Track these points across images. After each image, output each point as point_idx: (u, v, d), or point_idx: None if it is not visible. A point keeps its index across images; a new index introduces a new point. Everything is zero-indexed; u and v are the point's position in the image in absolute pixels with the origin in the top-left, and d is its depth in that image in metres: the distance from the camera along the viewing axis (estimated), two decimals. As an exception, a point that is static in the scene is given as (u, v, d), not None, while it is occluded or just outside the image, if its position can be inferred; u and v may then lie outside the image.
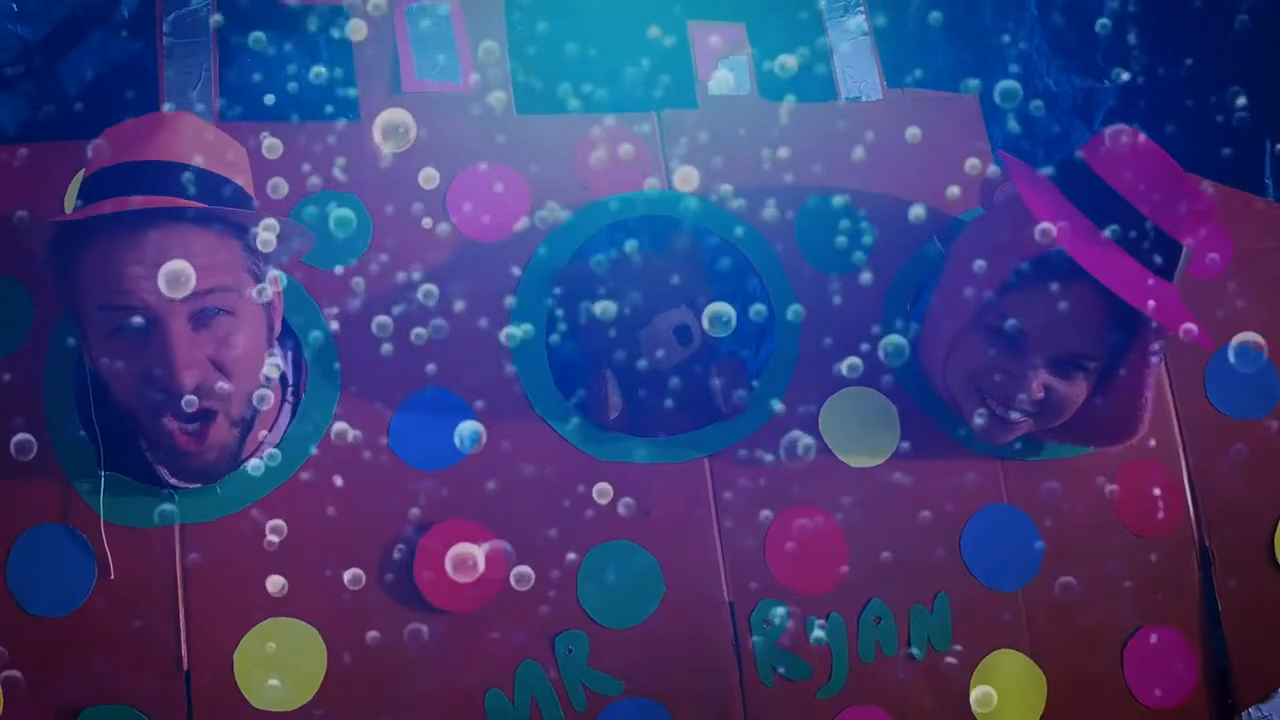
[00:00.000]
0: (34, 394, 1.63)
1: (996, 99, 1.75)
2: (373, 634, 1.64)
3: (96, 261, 1.54)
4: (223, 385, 1.57)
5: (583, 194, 1.81)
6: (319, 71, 1.77)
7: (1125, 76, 2.47)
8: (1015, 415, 1.73)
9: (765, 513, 1.73)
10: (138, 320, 1.53)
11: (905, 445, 1.79)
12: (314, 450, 1.67)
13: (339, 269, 1.72)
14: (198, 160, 1.57)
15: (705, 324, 1.70)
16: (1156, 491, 1.88)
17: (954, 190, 1.85)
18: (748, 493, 1.74)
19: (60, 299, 1.62)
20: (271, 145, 1.65)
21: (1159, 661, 1.83)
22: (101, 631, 1.59)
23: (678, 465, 1.74)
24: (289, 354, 1.77)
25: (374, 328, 1.68)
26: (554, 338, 1.80)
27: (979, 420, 1.75)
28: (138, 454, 1.65)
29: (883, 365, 1.80)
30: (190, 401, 1.55)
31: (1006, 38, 2.45)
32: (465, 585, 1.66)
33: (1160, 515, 1.88)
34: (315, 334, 1.70)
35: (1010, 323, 1.69)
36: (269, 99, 1.76)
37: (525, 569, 1.66)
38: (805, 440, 1.75)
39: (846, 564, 1.74)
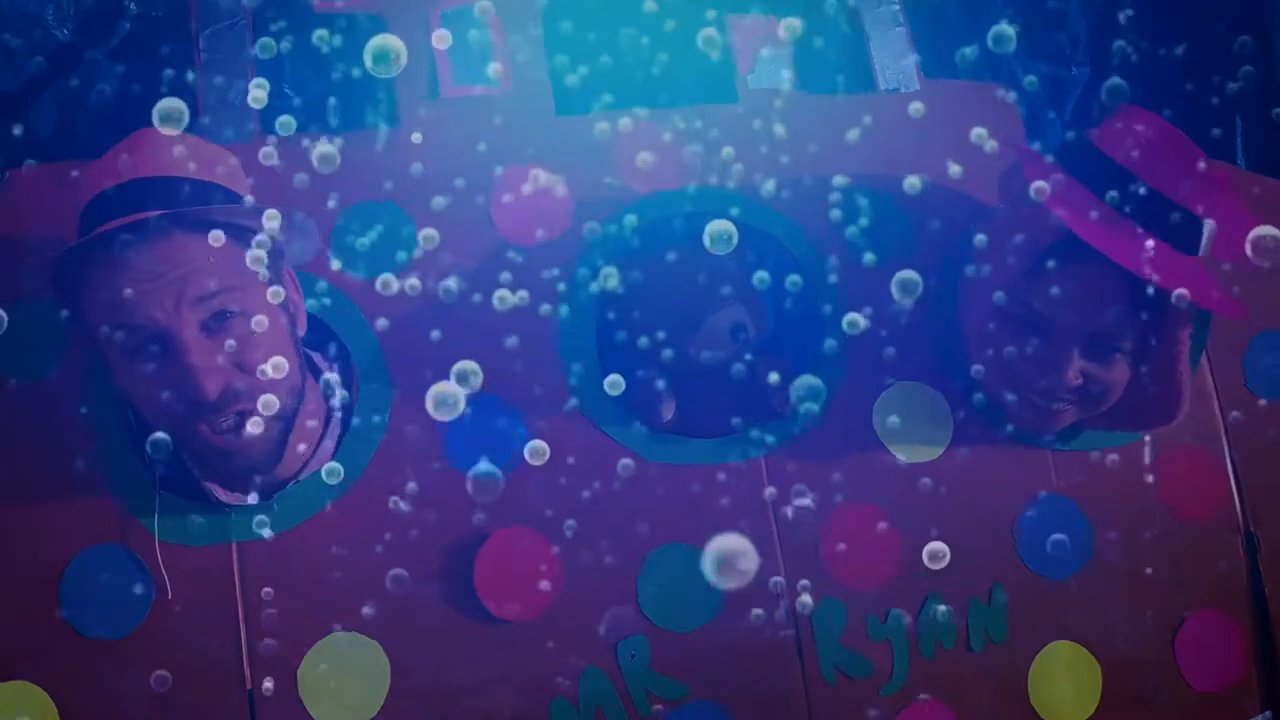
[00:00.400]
0: (78, 416, 1.61)
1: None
2: (434, 646, 1.63)
3: (98, 287, 1.53)
4: (250, 381, 1.56)
5: (624, 193, 1.79)
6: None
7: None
8: (1057, 405, 1.74)
9: (821, 510, 1.73)
10: (149, 337, 1.53)
11: (957, 439, 1.79)
12: (367, 463, 1.65)
13: (384, 276, 1.69)
14: (184, 171, 1.56)
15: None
16: (1200, 477, 1.89)
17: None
18: (803, 491, 1.73)
19: (76, 330, 1.60)
20: (325, 155, 1.61)
21: (1208, 646, 1.84)
22: (161, 653, 1.57)
23: (733, 465, 1.73)
24: (335, 365, 1.76)
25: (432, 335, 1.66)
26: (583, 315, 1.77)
27: (1023, 411, 1.76)
28: (189, 473, 1.63)
29: (931, 364, 1.80)
30: (221, 411, 1.54)
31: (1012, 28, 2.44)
32: (524, 590, 1.65)
33: (1205, 501, 1.89)
34: (364, 345, 1.68)
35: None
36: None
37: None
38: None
39: (903, 559, 1.74)
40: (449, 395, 1.58)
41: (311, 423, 1.69)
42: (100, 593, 1.56)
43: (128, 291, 1.52)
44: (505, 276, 1.73)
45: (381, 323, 1.68)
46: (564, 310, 1.73)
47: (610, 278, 1.76)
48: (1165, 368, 1.72)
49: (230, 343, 1.55)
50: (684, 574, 1.68)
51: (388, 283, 1.68)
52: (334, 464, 1.63)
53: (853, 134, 1.85)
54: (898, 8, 1.97)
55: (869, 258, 1.81)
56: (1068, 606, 1.80)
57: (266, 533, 1.61)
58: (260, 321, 1.57)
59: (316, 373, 1.74)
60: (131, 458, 1.60)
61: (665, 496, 1.71)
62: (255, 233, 1.58)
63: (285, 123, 1.68)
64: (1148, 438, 1.85)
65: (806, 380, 1.70)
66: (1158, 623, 1.83)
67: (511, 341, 1.70)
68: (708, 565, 1.55)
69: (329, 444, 1.71)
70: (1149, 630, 1.82)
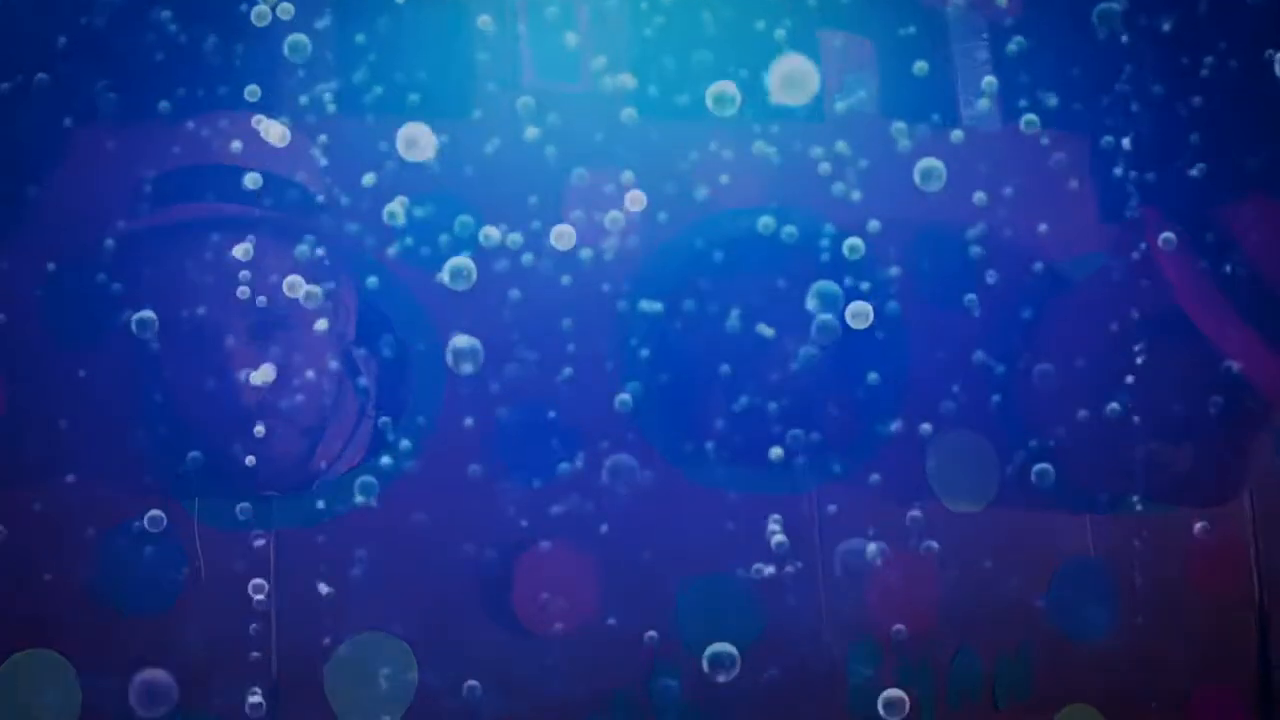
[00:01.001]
0: (125, 393, 1.57)
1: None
2: (466, 655, 1.60)
3: (151, 273, 1.51)
4: (275, 391, 1.55)
5: (700, 205, 1.75)
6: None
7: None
8: (1115, 473, 1.74)
9: (867, 551, 1.72)
10: (191, 334, 1.51)
11: (1003, 494, 1.79)
12: (413, 461, 1.62)
13: (445, 274, 1.64)
14: (259, 162, 1.53)
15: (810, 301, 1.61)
16: (1223, 552, 1.91)
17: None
18: (850, 529, 1.72)
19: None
20: (408, 138, 1.55)
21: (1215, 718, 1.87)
22: (188, 635, 1.53)
23: (782, 496, 1.71)
24: (371, 363, 1.72)
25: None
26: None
27: (1078, 474, 1.76)
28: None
29: (989, 416, 1.79)
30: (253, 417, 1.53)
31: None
32: (560, 607, 1.62)
33: (1226, 575, 1.91)
34: (420, 342, 1.64)
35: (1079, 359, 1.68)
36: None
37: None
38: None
39: (940, 609, 1.74)
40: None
41: (338, 421, 1.66)
42: (134, 570, 1.52)
43: (182, 283, 1.50)
44: (566, 280, 1.68)
45: (438, 317, 1.64)
46: (625, 321, 1.70)
47: (677, 292, 1.74)
48: (1233, 460, 1.73)
49: (271, 349, 1.54)
50: (722, 605, 1.67)
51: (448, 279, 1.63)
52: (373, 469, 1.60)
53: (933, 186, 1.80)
54: (986, 45, 1.94)
55: (978, 294, 1.78)
56: (1088, 670, 1.81)
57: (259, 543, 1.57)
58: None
59: (355, 372, 1.70)
60: (173, 437, 1.56)
61: (710, 523, 1.69)
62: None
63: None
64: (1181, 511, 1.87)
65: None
66: (1172, 693, 1.85)
67: (569, 353, 1.66)
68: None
69: (360, 442, 1.69)
70: (1163, 699, 1.84)
